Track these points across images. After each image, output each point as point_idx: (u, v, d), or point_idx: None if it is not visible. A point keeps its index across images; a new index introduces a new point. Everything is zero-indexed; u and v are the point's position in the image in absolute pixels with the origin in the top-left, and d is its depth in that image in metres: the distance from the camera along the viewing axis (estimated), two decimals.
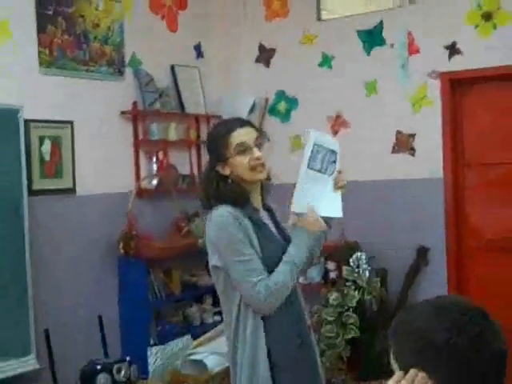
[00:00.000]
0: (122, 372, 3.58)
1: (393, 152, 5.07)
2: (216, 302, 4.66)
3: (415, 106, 4.98)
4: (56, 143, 4.41)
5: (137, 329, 4.60)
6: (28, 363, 3.96)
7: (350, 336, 4.24)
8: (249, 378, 2.40)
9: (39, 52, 4.34)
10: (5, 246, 3.90)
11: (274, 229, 2.52)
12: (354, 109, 5.20)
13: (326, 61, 5.33)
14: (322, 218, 2.60)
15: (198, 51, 5.55)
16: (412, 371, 1.29)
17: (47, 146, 4.36)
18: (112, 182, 4.74)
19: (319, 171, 2.51)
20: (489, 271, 4.75)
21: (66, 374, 3.87)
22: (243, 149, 2.42)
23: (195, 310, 5.00)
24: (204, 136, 5.43)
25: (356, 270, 4.42)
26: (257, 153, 2.43)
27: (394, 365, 1.36)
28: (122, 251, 4.57)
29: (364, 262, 4.45)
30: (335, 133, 5.22)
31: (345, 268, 4.47)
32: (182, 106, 5.29)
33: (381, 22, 5.10)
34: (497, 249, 4.73)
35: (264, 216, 2.52)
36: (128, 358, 3.68)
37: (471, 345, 1.27)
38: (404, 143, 5.02)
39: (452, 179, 4.86)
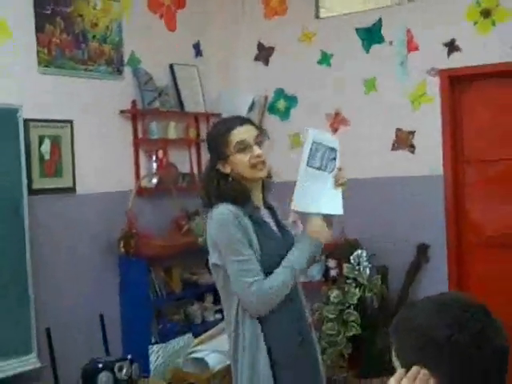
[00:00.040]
0: (124, 370, 3.59)
1: (392, 149, 5.07)
2: (217, 300, 4.65)
3: (414, 104, 4.98)
4: (55, 142, 4.41)
5: (138, 327, 4.60)
6: (29, 362, 3.95)
7: (351, 333, 4.24)
8: (249, 377, 2.40)
9: (38, 51, 4.34)
10: (5, 245, 3.90)
11: (274, 227, 2.53)
12: (354, 106, 5.20)
13: (324, 58, 5.33)
14: (323, 215, 2.60)
15: (197, 50, 5.55)
16: (414, 368, 1.29)
17: (47, 146, 4.36)
18: (112, 180, 4.74)
19: (319, 169, 2.51)
20: (489, 268, 4.76)
21: (67, 373, 3.88)
22: (243, 147, 2.42)
23: (196, 308, 5.00)
24: (203, 134, 5.43)
25: (357, 268, 4.42)
26: (257, 150, 2.43)
27: (396, 362, 1.36)
28: (122, 250, 4.57)
29: (364, 259, 4.45)
30: (335, 130, 5.22)
31: (345, 265, 4.47)
32: (181, 104, 5.29)
33: (379, 20, 5.10)
34: (497, 245, 4.73)
35: (265, 214, 2.53)
36: (129, 357, 3.70)
37: (473, 341, 1.27)
38: (404, 140, 5.03)
39: (452, 176, 4.86)
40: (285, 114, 5.52)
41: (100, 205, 4.62)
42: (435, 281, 4.74)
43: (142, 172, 4.97)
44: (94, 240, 4.57)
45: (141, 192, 4.84)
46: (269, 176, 2.56)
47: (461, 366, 1.27)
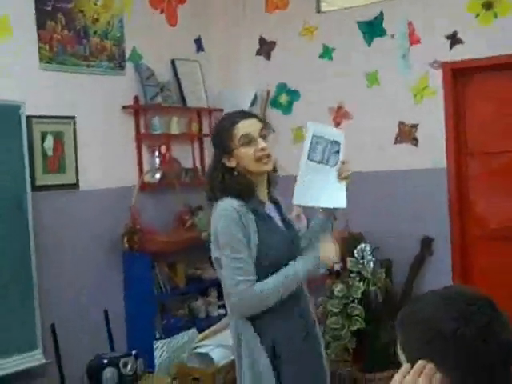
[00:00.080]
0: (129, 366, 3.59)
1: (395, 143, 5.06)
2: (221, 295, 4.65)
3: (417, 97, 4.96)
4: (58, 139, 4.41)
5: (142, 323, 4.60)
6: (34, 358, 3.96)
7: (355, 327, 4.24)
8: (251, 374, 2.41)
9: (39, 48, 4.33)
10: (9, 241, 3.90)
11: (279, 221, 2.52)
12: (356, 100, 5.19)
13: (326, 52, 5.32)
14: (325, 208, 2.60)
15: (199, 45, 5.54)
16: (420, 363, 1.29)
17: (49, 142, 4.36)
18: (115, 176, 4.74)
19: (320, 162, 2.52)
20: (493, 260, 4.75)
21: (72, 369, 3.88)
22: (248, 140, 2.42)
23: (200, 303, 5.00)
24: (206, 129, 5.44)
25: (361, 262, 4.41)
26: (262, 144, 2.44)
27: (401, 356, 1.36)
28: (126, 246, 4.57)
29: (368, 253, 4.44)
30: (337, 124, 5.21)
31: (349, 259, 4.46)
32: (183, 99, 5.28)
33: (381, 13, 5.09)
34: (501, 238, 4.72)
35: (270, 208, 2.53)
36: (134, 352, 3.70)
37: (479, 335, 1.27)
38: (406, 134, 5.02)
39: (455, 169, 4.85)
40: (287, 108, 5.52)
41: (103, 201, 4.63)
42: (439, 274, 4.73)
43: (145, 167, 4.97)
44: (97, 236, 4.57)
45: (144, 187, 4.85)
46: (274, 170, 2.56)
47: (467, 359, 1.27)
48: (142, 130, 4.99)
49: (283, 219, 2.55)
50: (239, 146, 2.42)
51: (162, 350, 3.69)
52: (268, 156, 2.44)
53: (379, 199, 5.04)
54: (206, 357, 3.58)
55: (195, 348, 3.66)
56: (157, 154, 5.00)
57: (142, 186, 4.81)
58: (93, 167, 4.61)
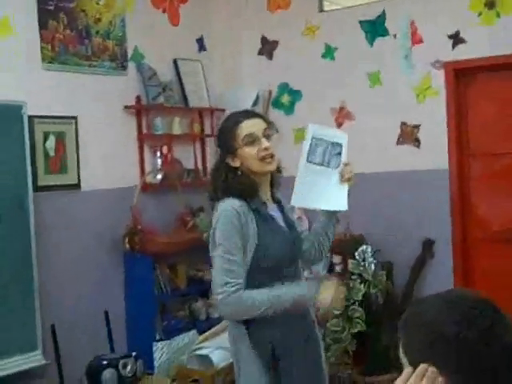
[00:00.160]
0: (128, 367, 3.59)
1: (398, 143, 5.04)
2: None
3: (419, 97, 4.94)
4: (60, 139, 4.41)
5: (143, 324, 4.61)
6: (34, 359, 3.97)
7: (356, 330, 4.23)
8: (245, 378, 2.43)
9: (41, 47, 4.34)
10: (10, 242, 3.91)
11: (282, 222, 2.52)
12: (358, 100, 5.17)
13: (328, 52, 5.31)
14: (326, 211, 2.59)
15: (201, 44, 5.53)
16: (422, 366, 1.28)
17: (51, 142, 4.37)
18: (116, 176, 4.74)
19: (320, 164, 2.50)
20: (495, 263, 4.72)
21: (72, 370, 3.89)
22: (252, 140, 2.42)
23: (201, 304, 4.99)
24: (208, 130, 5.43)
25: (362, 264, 4.41)
26: (265, 143, 2.43)
27: (403, 358, 1.35)
28: (127, 246, 4.58)
29: (369, 255, 4.43)
30: (339, 125, 5.19)
31: (350, 261, 4.46)
32: (185, 99, 5.28)
33: (383, 12, 5.06)
34: (503, 240, 4.69)
35: (273, 209, 2.52)
36: (134, 354, 3.70)
37: (481, 338, 1.26)
38: (409, 134, 5.00)
39: (457, 170, 4.83)
40: (289, 109, 5.50)
41: (105, 201, 4.63)
42: (440, 276, 4.72)
43: (147, 168, 4.97)
44: (98, 236, 4.58)
45: (145, 188, 4.84)
46: (278, 170, 2.55)
47: (469, 362, 1.26)
48: (144, 131, 4.99)
49: (286, 220, 2.55)
50: (243, 145, 2.42)
51: (161, 351, 3.69)
52: (271, 156, 2.44)
53: (380, 200, 5.02)
54: (205, 359, 3.57)
55: (195, 350, 3.66)
56: (158, 154, 5.00)
57: (143, 187, 4.81)
58: (94, 167, 4.61)
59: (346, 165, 2.54)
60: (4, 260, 3.87)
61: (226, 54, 5.67)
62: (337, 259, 4.91)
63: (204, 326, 4.41)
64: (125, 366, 3.58)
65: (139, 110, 4.95)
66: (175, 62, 5.27)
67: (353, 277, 4.42)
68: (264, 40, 5.60)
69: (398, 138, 5.04)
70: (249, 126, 2.44)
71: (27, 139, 4.04)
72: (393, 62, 5.02)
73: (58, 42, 4.43)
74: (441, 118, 4.84)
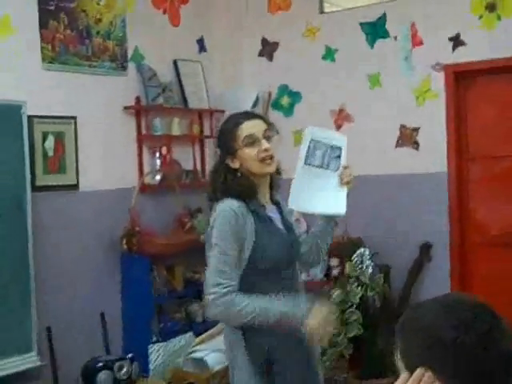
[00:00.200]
0: (124, 370, 3.60)
1: (397, 146, 5.04)
2: None
3: (419, 99, 4.94)
4: (59, 139, 4.41)
5: (139, 325, 4.60)
6: (29, 360, 3.97)
7: (352, 334, 4.22)
8: (235, 381, 2.43)
9: (42, 47, 4.34)
10: (8, 242, 3.92)
11: (280, 224, 2.51)
12: (358, 102, 5.17)
13: (329, 54, 5.30)
14: (323, 215, 2.58)
15: (201, 45, 5.52)
16: (419, 371, 1.27)
17: (50, 142, 4.37)
18: (115, 177, 4.74)
19: (319, 167, 2.49)
20: (493, 267, 4.71)
21: (67, 371, 3.89)
22: (252, 141, 2.42)
23: (197, 306, 4.96)
24: (207, 131, 5.43)
25: (359, 266, 4.40)
26: (265, 144, 2.43)
27: (400, 363, 1.34)
28: (124, 247, 4.57)
29: (367, 258, 4.42)
30: (338, 127, 5.19)
31: (348, 264, 4.45)
32: (185, 100, 5.27)
33: (384, 14, 5.06)
34: (501, 244, 4.68)
35: (272, 210, 2.51)
36: (130, 356, 3.70)
37: (479, 342, 1.25)
38: (408, 137, 4.99)
39: (456, 173, 4.82)
40: (289, 110, 5.50)
41: (103, 202, 4.63)
42: (438, 280, 4.71)
43: (146, 169, 4.97)
44: (96, 237, 4.58)
45: (144, 189, 4.84)
46: (278, 172, 2.54)
47: (467, 367, 1.25)
48: (143, 131, 4.98)
49: (284, 222, 2.54)
50: (243, 146, 2.42)
51: (157, 353, 3.69)
52: (271, 157, 2.43)
53: (379, 203, 5.02)
54: (201, 361, 3.58)
55: (191, 352, 3.66)
56: (157, 155, 4.99)
57: (141, 188, 4.80)
58: (93, 168, 4.61)
59: (345, 168, 2.53)
60: (1, 260, 3.86)
61: (226, 55, 5.66)
62: (334, 262, 4.90)
63: (200, 328, 4.41)
64: (120, 368, 3.59)
65: (139, 110, 4.95)
66: (175, 62, 5.26)
67: (350, 280, 4.41)
68: (264, 41, 5.59)
69: (398, 141, 5.04)
70: (249, 127, 2.43)
71: (26, 139, 4.04)
72: (393, 64, 5.02)
73: (59, 42, 4.43)
74: (440, 121, 4.84)
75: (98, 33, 4.70)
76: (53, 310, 4.20)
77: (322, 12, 5.39)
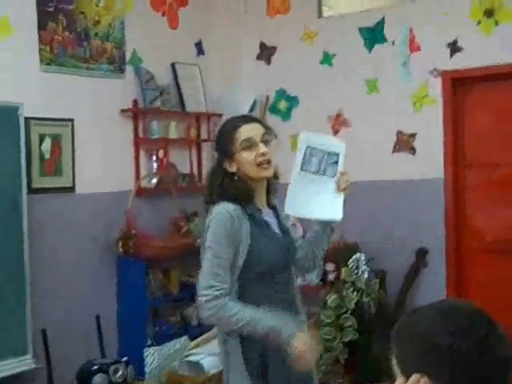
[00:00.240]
0: (119, 373, 3.59)
1: (394, 152, 5.04)
2: None
3: (416, 105, 4.94)
4: (56, 141, 4.41)
5: (134, 329, 4.59)
6: (25, 363, 3.96)
7: (347, 339, 4.22)
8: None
9: (40, 49, 4.34)
10: (3, 244, 3.91)
11: (277, 228, 2.51)
12: (355, 107, 5.17)
13: (326, 58, 5.30)
14: (320, 221, 2.58)
15: (199, 48, 5.51)
16: (414, 376, 1.27)
17: (47, 144, 4.36)
18: (112, 180, 4.73)
19: (316, 173, 2.49)
20: (489, 273, 4.71)
21: (62, 374, 3.88)
22: (249, 144, 2.42)
23: (193, 310, 4.96)
24: (204, 135, 5.42)
25: (355, 272, 4.40)
26: (263, 148, 2.42)
27: (396, 368, 1.34)
28: (120, 250, 4.57)
29: (363, 263, 4.42)
30: (335, 132, 5.19)
31: (344, 269, 4.44)
32: (182, 104, 5.26)
33: (382, 19, 5.06)
34: (497, 251, 4.68)
35: (268, 215, 2.51)
36: (125, 359, 3.69)
37: (475, 348, 1.25)
38: (404, 143, 4.99)
39: (452, 180, 4.82)
40: (286, 115, 5.50)
41: (99, 205, 4.62)
42: (433, 286, 4.71)
43: (142, 172, 4.96)
44: (92, 240, 4.57)
45: (140, 192, 4.83)
46: (275, 176, 2.54)
47: (463, 373, 1.25)
48: (141, 134, 4.98)
49: (281, 227, 2.54)
50: (240, 150, 2.41)
51: (153, 357, 3.68)
52: (268, 162, 2.43)
53: (375, 209, 5.02)
54: (196, 365, 3.57)
55: (186, 356, 3.65)
56: (154, 158, 4.99)
57: (138, 191, 4.79)
58: (90, 171, 4.60)
59: (342, 174, 2.53)
60: None
61: (225, 58, 5.65)
62: (330, 267, 4.89)
63: (196, 331, 4.39)
64: (115, 372, 3.58)
65: (136, 113, 4.95)
66: (173, 65, 5.26)
67: (346, 285, 4.41)
68: (262, 45, 5.59)
69: (394, 146, 5.04)
70: (247, 131, 2.43)
71: (23, 141, 4.04)
72: (391, 70, 5.02)
73: (57, 43, 4.43)
74: (437, 127, 4.84)
75: (96, 35, 4.69)
76: (48, 312, 4.19)
77: (320, 16, 5.40)
